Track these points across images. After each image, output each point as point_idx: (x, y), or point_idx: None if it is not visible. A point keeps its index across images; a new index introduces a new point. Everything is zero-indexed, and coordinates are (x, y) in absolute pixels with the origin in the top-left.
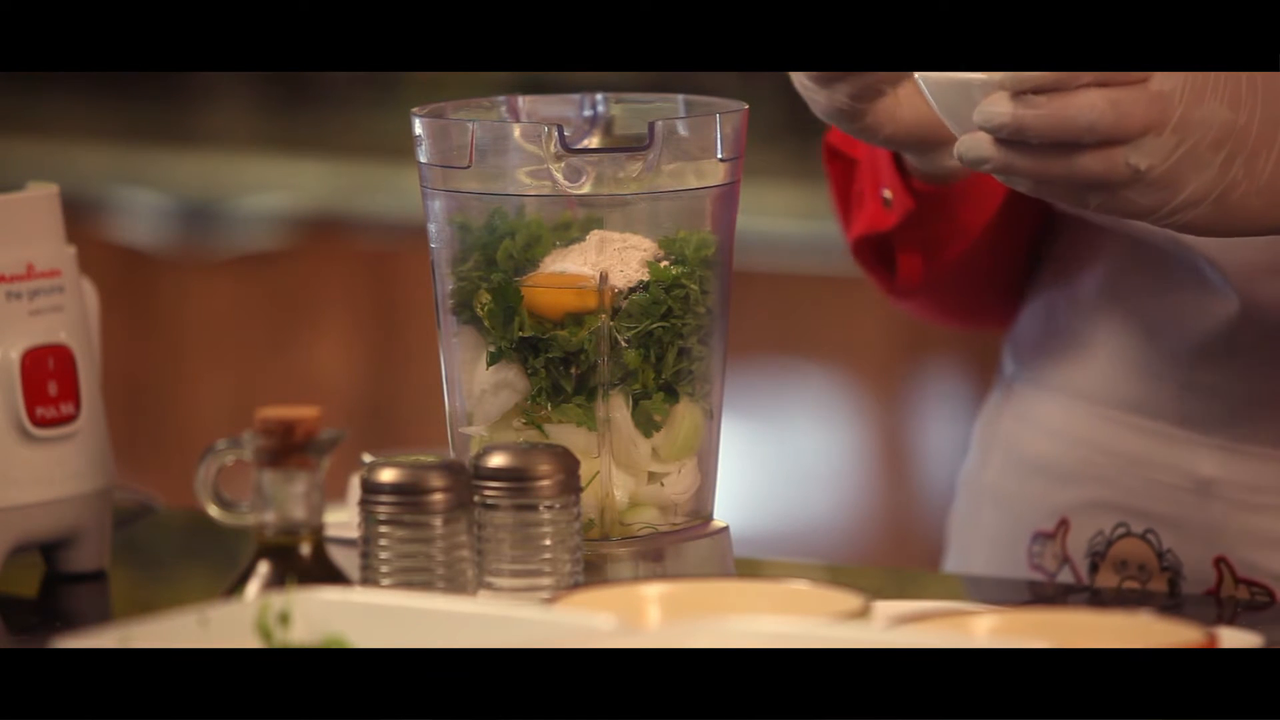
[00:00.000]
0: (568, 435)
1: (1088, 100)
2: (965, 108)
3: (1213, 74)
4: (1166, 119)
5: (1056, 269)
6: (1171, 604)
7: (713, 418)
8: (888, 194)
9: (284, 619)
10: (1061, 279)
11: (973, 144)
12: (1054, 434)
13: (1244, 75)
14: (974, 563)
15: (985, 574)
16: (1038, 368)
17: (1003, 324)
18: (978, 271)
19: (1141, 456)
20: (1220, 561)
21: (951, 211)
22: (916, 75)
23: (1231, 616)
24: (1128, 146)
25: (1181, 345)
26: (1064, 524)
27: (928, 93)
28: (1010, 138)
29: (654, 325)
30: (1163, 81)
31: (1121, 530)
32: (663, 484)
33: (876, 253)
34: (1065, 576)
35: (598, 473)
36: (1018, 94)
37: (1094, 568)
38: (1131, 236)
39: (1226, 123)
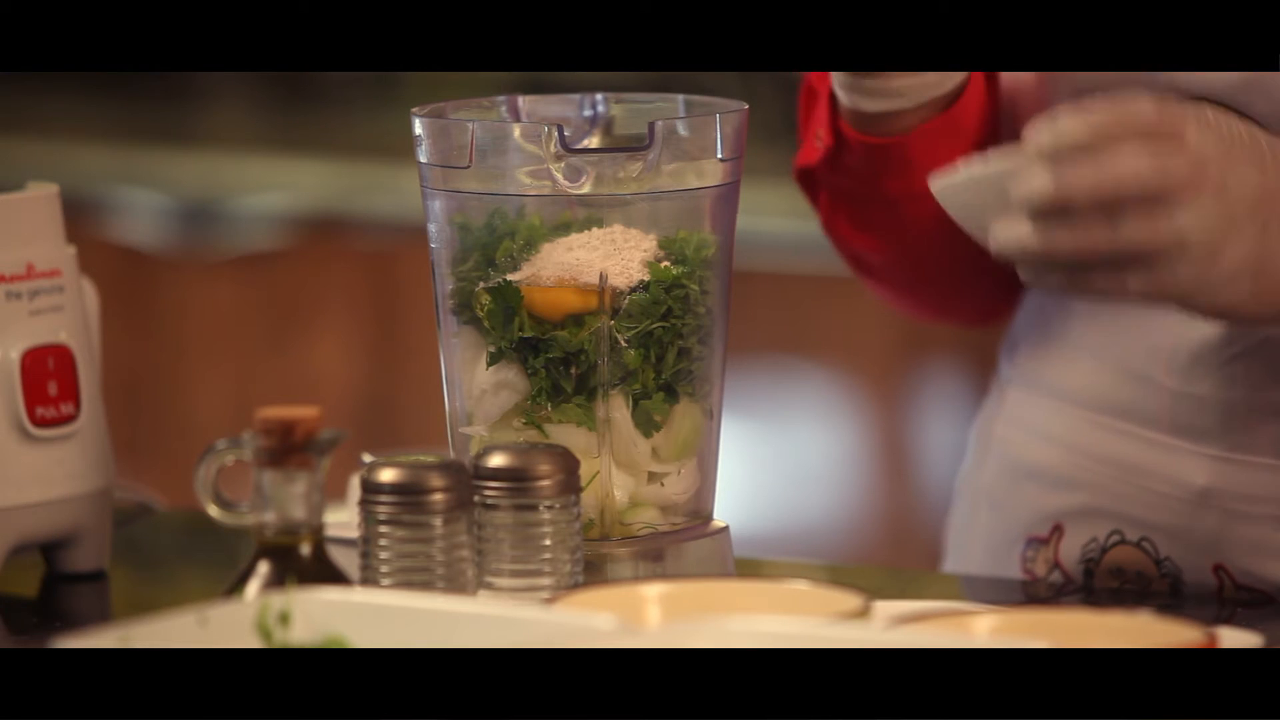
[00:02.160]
0: (568, 435)
1: (1130, 155)
2: (994, 201)
3: (1234, 134)
4: (1207, 177)
5: None
6: (1171, 603)
7: (713, 418)
8: (820, 131)
9: (284, 619)
10: None
11: (1009, 231)
12: (1048, 439)
13: (1260, 135)
14: (970, 566)
15: (982, 576)
16: (1031, 371)
17: (982, 320)
18: (920, 252)
19: (1135, 464)
20: (1219, 569)
21: (870, 166)
22: (933, 187)
23: (1231, 616)
24: (1171, 208)
25: (1173, 354)
26: (1058, 530)
27: (947, 201)
28: (1055, 205)
29: (654, 325)
30: (1198, 138)
31: (1116, 538)
32: (663, 484)
33: (813, 189)
34: (1055, 582)
35: (598, 473)
36: (1056, 162)
37: (1089, 574)
38: None
39: (1258, 184)
